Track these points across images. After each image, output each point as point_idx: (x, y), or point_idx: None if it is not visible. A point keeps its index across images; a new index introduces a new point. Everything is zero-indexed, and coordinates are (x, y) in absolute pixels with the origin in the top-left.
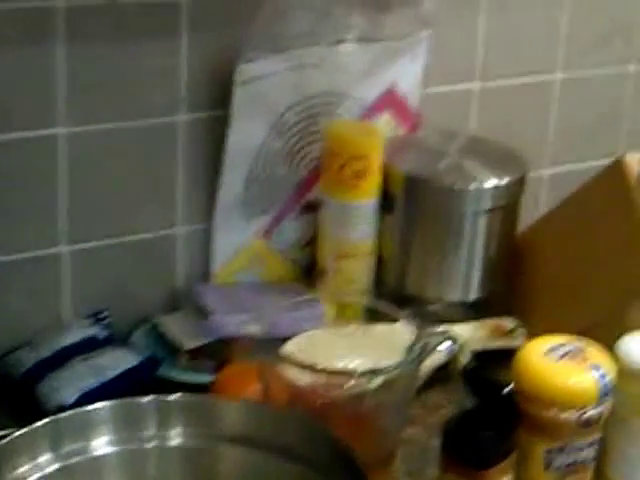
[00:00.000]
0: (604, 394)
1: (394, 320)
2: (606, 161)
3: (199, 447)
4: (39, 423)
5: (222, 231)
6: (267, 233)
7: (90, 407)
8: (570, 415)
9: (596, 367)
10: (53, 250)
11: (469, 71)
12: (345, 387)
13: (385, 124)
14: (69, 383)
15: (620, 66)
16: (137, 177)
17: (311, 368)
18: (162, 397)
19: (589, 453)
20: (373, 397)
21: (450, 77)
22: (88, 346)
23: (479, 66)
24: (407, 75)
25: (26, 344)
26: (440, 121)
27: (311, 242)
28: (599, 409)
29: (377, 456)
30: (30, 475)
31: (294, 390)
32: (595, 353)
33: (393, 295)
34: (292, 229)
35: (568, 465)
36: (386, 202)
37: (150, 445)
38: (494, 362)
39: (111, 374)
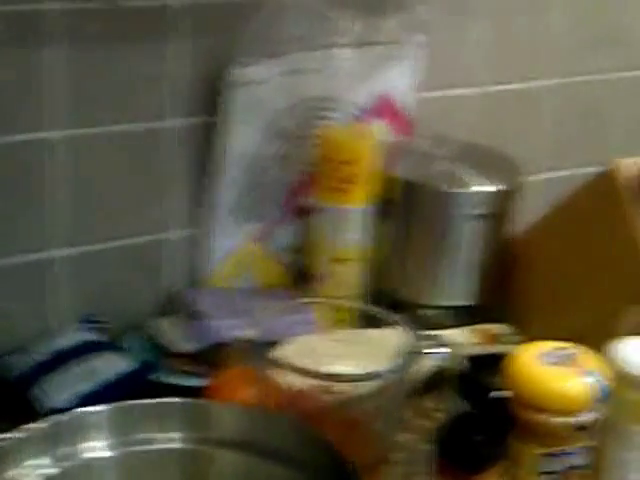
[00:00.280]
0: (598, 399)
1: (387, 325)
2: (597, 168)
3: (194, 450)
4: (35, 425)
5: (215, 236)
6: (260, 238)
7: (86, 410)
8: (563, 420)
9: (590, 372)
10: (46, 254)
11: (462, 77)
12: (338, 391)
13: (378, 129)
14: (63, 387)
15: (611, 73)
16: (130, 181)
17: (304, 372)
18: (158, 400)
19: (582, 459)
20: (366, 402)
21: (443, 83)
22: (82, 350)
23: (472, 72)
24: (401, 80)
25: (20, 348)
26: (433, 127)
27: (304, 247)
28: (593, 414)
29: (369, 461)
30: (25, 478)
31: (287, 394)
32: (589, 359)
33: (387, 300)
34: (285, 234)
35: (561, 470)
36: (380, 207)
37: (147, 448)
38: (487, 368)
39: (105, 378)
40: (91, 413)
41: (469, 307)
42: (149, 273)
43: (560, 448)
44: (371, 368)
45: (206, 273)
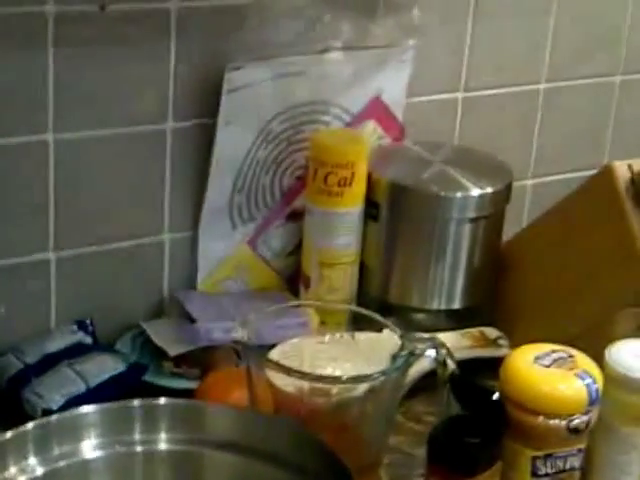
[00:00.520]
0: (592, 402)
1: (379, 328)
2: (590, 172)
3: (186, 452)
4: (27, 426)
5: (208, 238)
6: (253, 241)
7: (78, 410)
8: (557, 423)
9: (584, 375)
10: (40, 256)
11: (455, 81)
12: (331, 394)
13: (370, 132)
14: (55, 389)
15: (604, 77)
16: (124, 184)
17: (297, 374)
18: (150, 401)
19: (576, 461)
20: (357, 404)
21: (435, 86)
22: (74, 352)
23: (464, 76)
24: (393, 84)
25: (12, 350)
26: (425, 130)
27: (296, 250)
28: (587, 417)
29: (362, 463)
30: (17, 478)
31: (280, 396)
32: (583, 361)
33: (377, 303)
34: (277, 237)
35: (555, 473)
36: (371, 210)
37: (138, 449)
38: (478, 371)
39: (97, 380)
40: (81, 414)
41: (460, 310)
42: (142, 275)
43: (554, 450)
44: (362, 371)
45: (199, 276)
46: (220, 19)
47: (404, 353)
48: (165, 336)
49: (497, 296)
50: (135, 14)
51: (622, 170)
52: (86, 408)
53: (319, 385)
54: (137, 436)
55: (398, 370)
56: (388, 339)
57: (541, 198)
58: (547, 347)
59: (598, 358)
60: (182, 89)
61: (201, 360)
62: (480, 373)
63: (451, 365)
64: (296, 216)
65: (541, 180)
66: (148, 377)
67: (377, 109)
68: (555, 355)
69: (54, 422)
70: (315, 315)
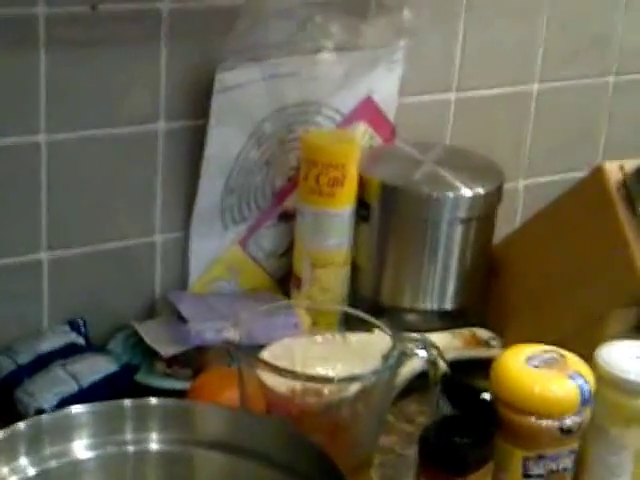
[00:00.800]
0: (584, 402)
1: (370, 329)
2: (582, 173)
3: (178, 452)
4: (18, 425)
5: (199, 239)
6: (244, 241)
7: (69, 410)
8: (549, 423)
9: (576, 375)
10: (32, 256)
11: (446, 81)
12: (322, 394)
13: (362, 133)
14: (47, 389)
15: (596, 78)
16: (116, 185)
17: (288, 374)
18: (142, 401)
19: (568, 462)
20: (348, 405)
21: (427, 87)
22: (66, 352)
23: (456, 76)
24: (384, 84)
25: (4, 350)
26: (417, 131)
27: (288, 251)
28: (579, 417)
29: (353, 463)
30: (8, 478)
31: (271, 396)
32: (575, 361)
33: (368, 304)
34: (269, 238)
35: (546, 473)
36: (362, 211)
37: (129, 449)
38: (470, 371)
39: (89, 380)
40: (72, 414)
41: (451, 311)
42: (134, 276)
43: (546, 451)
44: (354, 371)
45: (191, 276)
46: (211, 20)
47: (395, 353)
48: (157, 336)
49: (488, 297)
50: (126, 15)
51: (613, 171)
52: (77, 408)
53: (310, 385)
54: (129, 436)
55: (389, 370)
56: (379, 339)
57: (533, 199)
58: (538, 348)
59: (589, 359)
60: (173, 90)
61: (193, 360)
62: (471, 373)
63: (442, 365)
64: (287, 217)
65: (533, 181)
66: (140, 377)
67: (368, 109)
68: (546, 356)
69: (45, 422)
70: (307, 315)
